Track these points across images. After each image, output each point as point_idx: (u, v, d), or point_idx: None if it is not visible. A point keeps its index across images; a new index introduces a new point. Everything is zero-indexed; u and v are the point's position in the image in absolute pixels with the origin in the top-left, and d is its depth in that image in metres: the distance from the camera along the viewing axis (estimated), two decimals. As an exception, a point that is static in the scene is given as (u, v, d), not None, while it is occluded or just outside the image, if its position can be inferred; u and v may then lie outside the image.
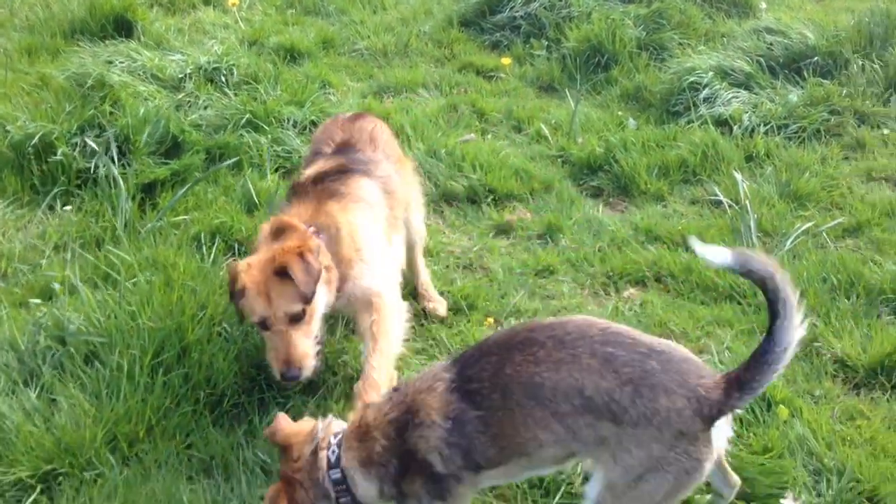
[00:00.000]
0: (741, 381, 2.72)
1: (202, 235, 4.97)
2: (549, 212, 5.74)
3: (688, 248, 5.29)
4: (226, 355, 3.97)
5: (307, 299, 3.46)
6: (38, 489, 3.42)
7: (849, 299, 4.81)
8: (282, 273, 3.41)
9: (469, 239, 5.49)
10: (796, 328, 2.73)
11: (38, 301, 4.23)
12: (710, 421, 2.73)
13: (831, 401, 4.14)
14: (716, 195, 5.83)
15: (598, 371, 2.72)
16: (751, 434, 3.76)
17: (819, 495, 3.58)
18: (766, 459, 3.57)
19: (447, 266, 5.10)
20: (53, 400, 3.74)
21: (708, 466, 2.80)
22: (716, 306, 4.82)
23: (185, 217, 5.15)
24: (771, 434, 3.74)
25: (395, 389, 3.02)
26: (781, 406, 3.91)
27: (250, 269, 3.47)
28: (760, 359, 2.71)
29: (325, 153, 4.26)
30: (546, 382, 2.73)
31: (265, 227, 3.74)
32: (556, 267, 5.18)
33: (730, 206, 5.70)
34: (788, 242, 5.34)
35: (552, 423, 2.75)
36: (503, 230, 5.62)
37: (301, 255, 3.45)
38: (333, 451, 2.90)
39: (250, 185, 5.48)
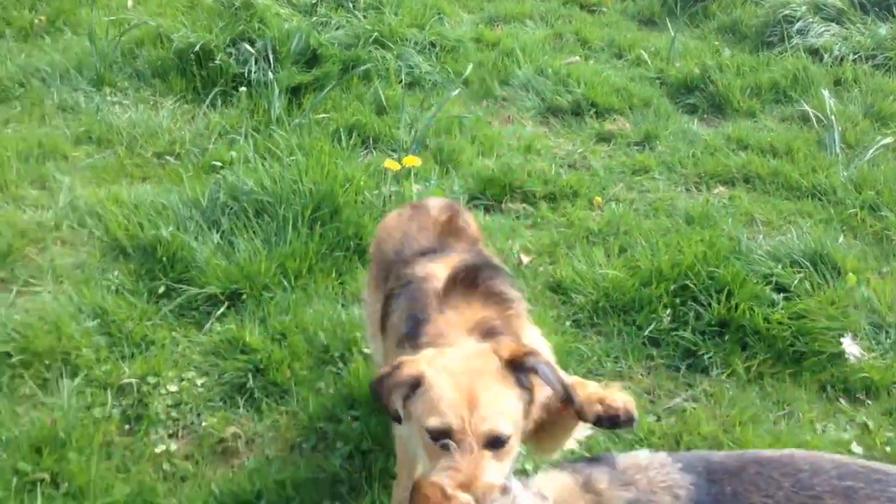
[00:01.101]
0: None
1: (340, 130, 5.71)
2: (647, 123, 6.31)
3: (776, 155, 5.83)
4: (370, 215, 4.72)
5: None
6: (225, 304, 4.24)
7: (920, 198, 5.30)
8: (517, 366, 2.40)
9: (573, 144, 6.12)
10: None
11: (219, 163, 5.06)
12: None
13: (897, 275, 4.67)
14: (804, 112, 6.31)
15: None
16: (820, 293, 4.32)
17: (878, 343, 4.14)
18: (830, 306, 4.14)
19: (553, 164, 5.73)
20: (232, 243, 4.55)
21: None
22: (798, 202, 5.36)
23: (325, 115, 5.90)
24: (839, 292, 4.30)
25: None
26: (851, 274, 4.46)
27: (443, 357, 2.43)
28: None
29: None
30: None
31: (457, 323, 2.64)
32: (652, 167, 5.78)
33: (817, 122, 6.18)
34: (869, 153, 5.80)
35: None
36: (604, 138, 6.23)
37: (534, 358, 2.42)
38: None
39: (380, 92, 6.20)
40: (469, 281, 2.72)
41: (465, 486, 2.18)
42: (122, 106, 6.03)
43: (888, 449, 3.60)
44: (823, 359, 4.01)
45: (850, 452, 3.54)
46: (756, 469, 2.37)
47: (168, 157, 5.50)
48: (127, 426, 3.63)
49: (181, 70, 6.34)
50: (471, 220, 3.31)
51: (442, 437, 2.27)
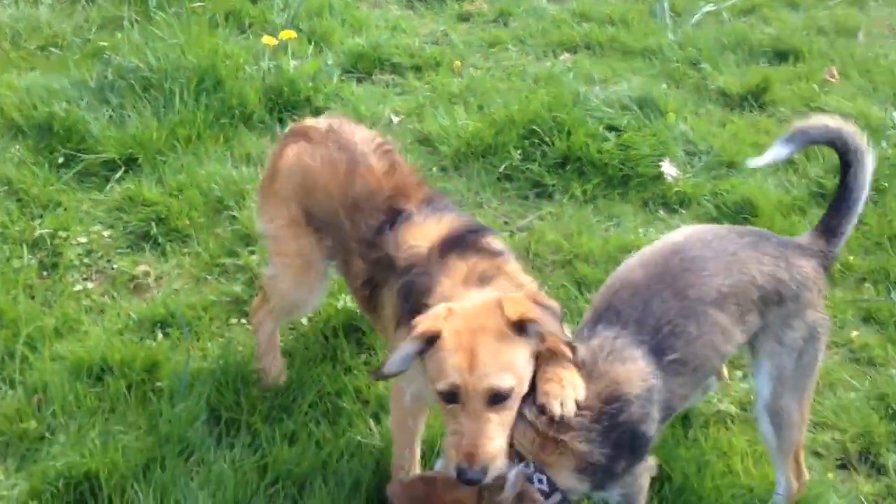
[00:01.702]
0: (834, 230, 2.90)
1: (217, 16, 6.08)
2: (501, 3, 6.90)
3: (613, 24, 6.54)
4: (252, 86, 5.20)
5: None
6: (122, 168, 4.68)
7: (735, 53, 6.11)
8: (520, 327, 2.50)
9: (435, 24, 6.66)
10: (868, 172, 2.90)
11: (105, 44, 5.41)
12: (828, 273, 2.91)
13: (710, 115, 5.48)
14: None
15: (755, 259, 2.75)
16: (645, 129, 5.07)
17: (691, 166, 4.94)
18: (652, 137, 4.90)
19: (417, 40, 6.27)
20: (123, 116, 4.96)
21: None
22: (631, 61, 6.09)
23: (201, 4, 6.23)
24: (660, 128, 5.07)
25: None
26: (671, 113, 5.23)
27: (454, 315, 2.51)
28: (846, 208, 2.90)
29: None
30: (733, 290, 2.69)
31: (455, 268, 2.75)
32: (506, 41, 6.39)
33: (649, -7, 6.92)
34: (694, 18, 6.57)
35: (734, 328, 2.71)
36: (463, 18, 6.79)
37: (540, 305, 2.56)
38: (541, 480, 2.48)
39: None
40: (459, 246, 2.81)
41: (470, 457, 2.39)
42: (2, 5, 6.21)
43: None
44: (646, 180, 4.79)
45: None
46: (680, 261, 2.72)
47: (52, 49, 5.79)
48: (45, 272, 4.09)
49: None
50: (402, 160, 3.31)
51: (451, 398, 2.45)
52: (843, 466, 3.37)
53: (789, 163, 4.93)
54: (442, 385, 2.44)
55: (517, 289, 2.67)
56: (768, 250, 2.79)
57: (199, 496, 3.01)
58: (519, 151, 4.91)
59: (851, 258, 4.31)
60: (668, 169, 4.83)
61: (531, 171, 4.82)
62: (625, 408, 2.52)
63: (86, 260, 4.16)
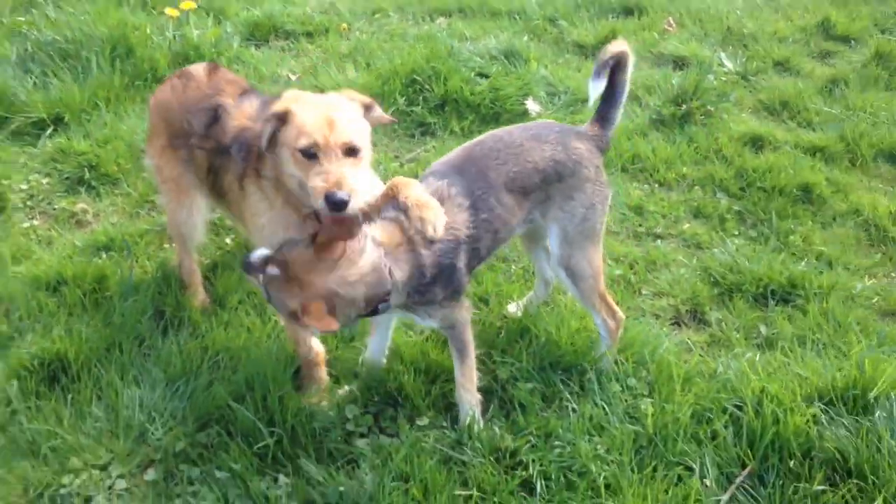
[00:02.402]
0: (606, 117, 3.51)
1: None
2: (382, -24, 7.64)
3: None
4: (160, 52, 5.79)
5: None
6: (52, 127, 5.22)
7: (588, 10, 7.01)
8: (368, 107, 3.25)
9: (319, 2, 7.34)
10: (628, 73, 3.52)
11: (22, 19, 5.91)
12: (604, 153, 3.54)
13: (568, 63, 6.35)
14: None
15: (538, 148, 3.36)
16: (511, 74, 5.89)
17: (552, 104, 5.79)
18: (517, 81, 5.73)
19: (306, 9, 6.94)
20: (46, 83, 5.49)
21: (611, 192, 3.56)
22: (498, 21, 6.92)
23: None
24: (524, 73, 5.90)
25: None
26: (533, 61, 6.07)
27: (303, 98, 3.18)
28: (614, 100, 3.51)
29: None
30: (519, 175, 3.30)
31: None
32: (387, 9, 7.16)
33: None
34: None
35: (525, 202, 3.34)
36: (348, -9, 7.50)
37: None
38: (385, 265, 2.98)
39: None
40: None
41: (338, 185, 2.89)
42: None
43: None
44: (513, 116, 5.60)
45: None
46: (483, 149, 3.36)
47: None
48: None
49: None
50: (230, 73, 3.87)
51: (311, 155, 2.98)
52: (676, 324, 4.19)
53: (633, 97, 5.84)
54: (303, 142, 2.99)
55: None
56: (550, 138, 3.38)
57: (153, 371, 3.63)
58: (403, 98, 5.66)
59: (685, 169, 5.23)
60: (532, 106, 5.67)
61: (415, 113, 5.58)
62: (455, 246, 3.14)
63: (29, 203, 4.70)
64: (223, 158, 3.52)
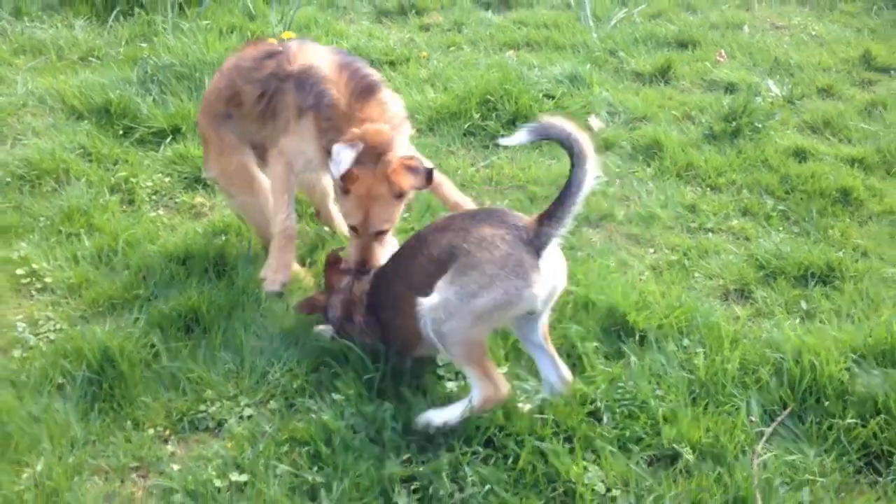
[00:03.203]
0: (551, 214, 3.32)
1: (222, 30, 7.43)
2: (455, 16, 8.39)
3: (547, 28, 8.04)
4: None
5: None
6: (171, 136, 5.95)
7: (645, 45, 7.63)
8: (399, 196, 3.88)
9: (402, 33, 8.10)
10: (589, 173, 3.29)
11: (144, 45, 6.73)
12: (531, 245, 3.34)
13: (627, 88, 6.95)
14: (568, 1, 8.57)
15: (437, 239, 3.50)
16: (576, 96, 6.50)
17: (612, 122, 6.39)
18: (581, 101, 6.35)
19: (389, 43, 7.69)
20: (164, 100, 6.25)
21: (537, 290, 3.36)
22: (562, 53, 7.56)
23: (208, 22, 7.59)
24: (587, 95, 6.51)
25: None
26: (594, 84, 6.68)
27: (366, 175, 3.81)
28: (564, 198, 3.30)
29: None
30: (414, 269, 3.57)
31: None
32: (462, 43, 7.87)
33: (576, 6, 8.45)
34: (612, 22, 8.12)
35: (423, 292, 3.43)
36: (424, 28, 8.26)
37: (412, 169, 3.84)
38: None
39: (248, 4, 7.94)
40: (349, 69, 3.99)
41: (363, 263, 3.92)
42: (41, 29, 7.49)
43: (619, 170, 5.83)
44: (578, 131, 6.20)
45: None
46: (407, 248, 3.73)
47: (91, 59, 7.08)
48: (123, 207, 5.32)
49: (84, -2, 7.85)
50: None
51: (353, 229, 3.95)
52: (724, 300, 4.70)
53: (687, 116, 6.42)
54: (350, 222, 3.98)
55: (386, 118, 3.92)
56: (456, 226, 3.49)
57: (269, 327, 4.25)
58: (478, 115, 6.30)
59: (734, 175, 5.76)
60: (594, 122, 6.27)
61: (489, 127, 6.21)
62: (351, 303, 3.95)
63: (154, 197, 5.41)
64: (280, 82, 4.11)
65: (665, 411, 3.69)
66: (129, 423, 3.69)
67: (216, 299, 4.34)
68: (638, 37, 7.82)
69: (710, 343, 4.06)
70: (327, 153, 3.84)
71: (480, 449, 3.49)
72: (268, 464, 3.43)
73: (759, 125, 6.24)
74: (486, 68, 7.12)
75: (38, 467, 3.44)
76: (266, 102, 4.18)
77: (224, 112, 4.42)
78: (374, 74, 4.07)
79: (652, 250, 5.05)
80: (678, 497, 3.39)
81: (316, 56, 4.10)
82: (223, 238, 4.95)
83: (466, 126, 6.23)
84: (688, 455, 3.54)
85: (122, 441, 3.57)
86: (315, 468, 3.46)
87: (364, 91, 3.95)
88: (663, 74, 7.13)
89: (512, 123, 6.26)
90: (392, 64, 7.31)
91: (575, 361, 4.06)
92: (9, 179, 5.39)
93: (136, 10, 7.66)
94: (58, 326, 4.27)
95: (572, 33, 7.94)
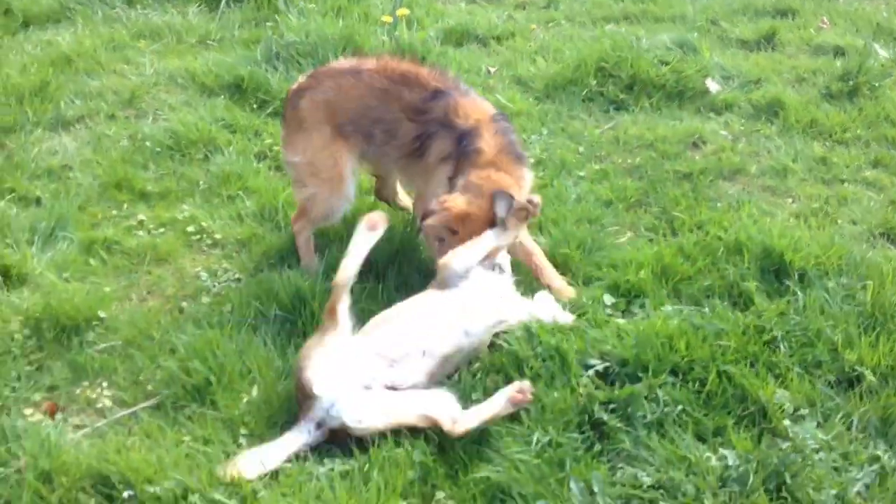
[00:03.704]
0: None
1: (330, 11, 7.64)
2: (550, -7, 8.56)
3: (643, 1, 8.15)
4: (382, 50, 6.74)
5: None
6: (303, 108, 6.17)
7: (745, 14, 7.74)
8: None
9: (499, 12, 8.26)
10: None
11: (269, 24, 6.98)
12: None
13: (734, 54, 7.05)
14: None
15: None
16: (690, 61, 6.63)
17: (728, 84, 6.50)
18: (695, 64, 6.47)
19: (490, 21, 7.85)
20: (290, 76, 6.47)
21: None
22: (662, 24, 7.68)
23: (314, 6, 7.80)
24: (700, 60, 6.63)
25: None
26: (705, 49, 6.80)
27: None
28: None
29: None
30: None
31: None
32: (560, 19, 8.04)
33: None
34: (707, -6, 8.21)
35: None
36: (520, 6, 8.43)
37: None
38: None
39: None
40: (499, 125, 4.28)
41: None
42: (156, 13, 7.78)
43: (743, 128, 5.95)
44: (695, 94, 6.35)
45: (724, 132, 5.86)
46: None
47: (209, 42, 7.33)
48: (272, 172, 5.52)
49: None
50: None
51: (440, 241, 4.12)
52: (872, 244, 4.75)
53: (800, 78, 6.54)
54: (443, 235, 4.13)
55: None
56: None
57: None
58: (594, 81, 6.45)
59: (859, 131, 5.85)
60: (712, 85, 6.40)
61: (607, 93, 6.36)
62: None
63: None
64: (440, 127, 4.29)
65: (841, 338, 3.81)
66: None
67: (385, 248, 4.53)
68: (736, 7, 7.92)
69: (873, 279, 4.16)
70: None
71: (669, 379, 3.63)
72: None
73: (877, 84, 6.31)
74: (591, 41, 7.25)
75: (254, 394, 3.65)
76: (420, 143, 4.36)
77: (366, 129, 4.47)
78: (522, 146, 4.41)
79: (790, 200, 5.17)
80: (866, 413, 3.52)
81: (481, 113, 4.32)
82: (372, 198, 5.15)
83: (584, 93, 6.38)
84: (870, 377, 3.65)
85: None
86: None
87: (513, 161, 4.25)
88: (768, 41, 7.23)
89: (629, 89, 6.41)
90: (498, 39, 7.48)
91: (735, 300, 4.20)
92: (159, 149, 5.63)
93: (245, -4, 7.91)
94: (236, 276, 4.51)
95: (669, 5, 8.06)
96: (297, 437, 3.42)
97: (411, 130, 4.40)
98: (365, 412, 3.40)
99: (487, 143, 4.18)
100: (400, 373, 3.56)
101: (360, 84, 4.47)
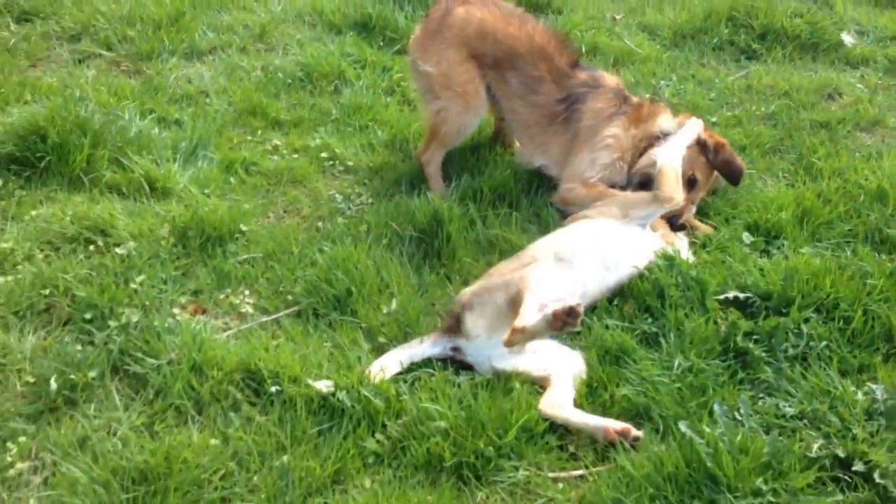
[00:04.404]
0: None
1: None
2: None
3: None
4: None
5: None
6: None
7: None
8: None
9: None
10: None
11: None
12: None
13: (869, 11, 6.79)
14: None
15: None
16: (825, 14, 6.41)
17: (864, 38, 6.28)
18: (833, 20, 6.26)
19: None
20: (415, 15, 6.50)
21: None
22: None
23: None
24: (835, 14, 6.41)
25: None
26: (839, 3, 6.56)
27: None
28: None
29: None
30: None
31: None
32: None
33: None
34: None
35: None
36: None
37: None
38: None
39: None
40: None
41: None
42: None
43: (881, 82, 5.75)
44: (830, 46, 6.15)
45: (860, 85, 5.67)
46: None
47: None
48: (401, 107, 5.57)
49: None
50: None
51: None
52: None
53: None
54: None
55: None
56: None
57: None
58: (726, 30, 6.30)
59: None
60: (847, 38, 6.20)
61: (739, 42, 6.21)
62: None
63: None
64: (586, 92, 4.46)
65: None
66: (457, 276, 3.95)
67: (521, 177, 4.56)
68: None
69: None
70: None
71: (813, 315, 3.56)
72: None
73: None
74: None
75: (393, 306, 3.72)
76: (567, 105, 4.48)
77: (505, 71, 4.53)
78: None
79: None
80: None
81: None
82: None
83: (714, 41, 6.25)
84: None
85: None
86: (649, 320, 3.63)
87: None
88: (905, -3, 6.96)
89: (762, 38, 6.25)
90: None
91: (878, 246, 4.09)
92: (290, 81, 5.74)
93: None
94: (370, 200, 4.58)
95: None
96: (432, 349, 3.50)
97: (555, 92, 4.44)
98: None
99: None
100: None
101: (524, 28, 4.52)
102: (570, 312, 3.16)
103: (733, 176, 4.31)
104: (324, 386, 3.24)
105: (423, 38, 4.65)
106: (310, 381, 3.26)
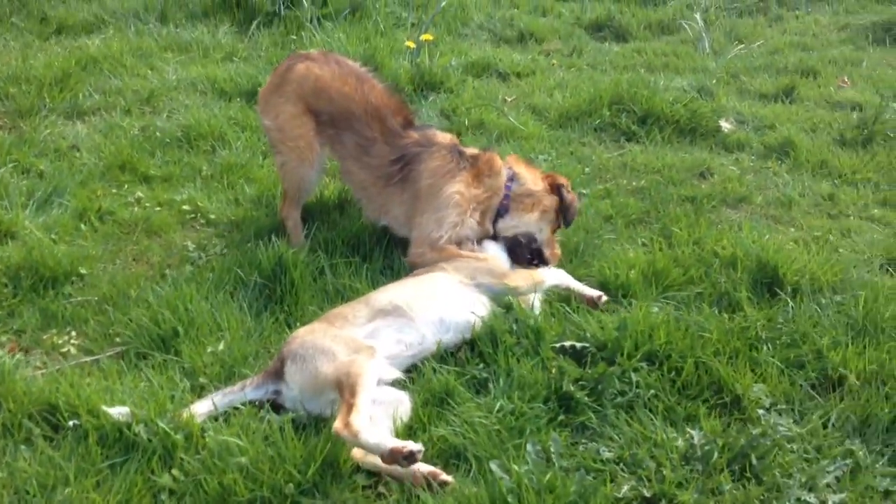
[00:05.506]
0: None
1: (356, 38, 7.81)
2: (573, 44, 8.67)
3: (666, 55, 8.24)
4: (403, 71, 6.83)
5: None
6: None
7: (766, 72, 7.78)
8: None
9: (523, 56, 8.37)
10: None
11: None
12: None
13: (752, 105, 7.05)
14: (685, 37, 8.80)
15: None
16: (704, 103, 6.64)
17: (741, 126, 6.49)
18: (712, 108, 6.47)
19: (513, 61, 7.95)
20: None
21: None
22: (683, 75, 7.73)
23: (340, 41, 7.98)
24: (715, 104, 6.64)
25: None
26: (721, 95, 6.81)
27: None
28: None
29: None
30: None
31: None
32: (582, 67, 8.10)
33: (693, 36, 8.65)
34: (730, 54, 8.27)
35: None
36: (545, 53, 8.53)
37: None
38: None
39: (379, 22, 8.33)
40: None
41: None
42: (186, 31, 7.97)
43: (753, 164, 5.91)
44: (708, 132, 6.33)
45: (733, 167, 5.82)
46: None
47: (234, 59, 7.48)
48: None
49: (226, 8, 8.33)
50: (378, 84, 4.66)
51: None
52: (869, 269, 4.63)
53: (815, 127, 6.50)
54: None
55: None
56: None
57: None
58: (607, 112, 6.46)
59: (870, 174, 5.76)
60: (725, 124, 6.40)
61: (619, 124, 6.37)
62: None
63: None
64: (420, 150, 4.44)
65: (827, 342, 3.69)
66: (297, 324, 3.84)
67: (376, 230, 4.53)
68: (758, 65, 7.96)
69: (866, 295, 4.04)
70: None
71: (643, 365, 3.53)
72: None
73: (892, 134, 6.26)
74: (612, 80, 7.30)
75: (220, 347, 3.60)
76: (402, 165, 4.47)
77: (340, 131, 4.53)
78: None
79: (793, 229, 5.07)
80: (844, 412, 3.38)
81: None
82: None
83: (597, 123, 6.40)
84: (853, 379, 3.53)
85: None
86: (481, 365, 3.55)
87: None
88: (787, 95, 7.21)
89: (643, 122, 6.40)
90: (518, 75, 7.57)
91: (725, 307, 4.10)
92: (168, 140, 5.71)
93: (276, 21, 8.10)
94: (224, 250, 4.49)
95: (692, 59, 8.13)
96: (253, 393, 3.36)
97: (387, 153, 4.44)
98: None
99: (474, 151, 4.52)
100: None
101: (359, 88, 4.52)
102: (408, 456, 2.91)
103: (568, 218, 4.49)
104: (118, 413, 3.07)
105: (266, 93, 4.67)
106: (104, 408, 3.09)
